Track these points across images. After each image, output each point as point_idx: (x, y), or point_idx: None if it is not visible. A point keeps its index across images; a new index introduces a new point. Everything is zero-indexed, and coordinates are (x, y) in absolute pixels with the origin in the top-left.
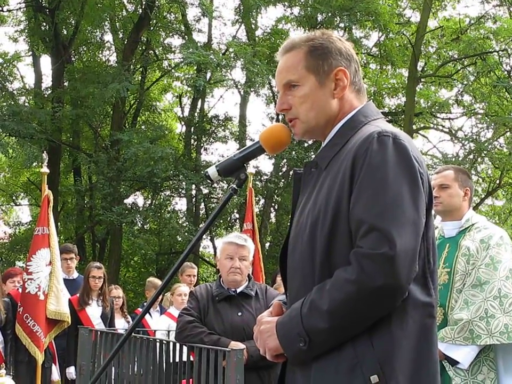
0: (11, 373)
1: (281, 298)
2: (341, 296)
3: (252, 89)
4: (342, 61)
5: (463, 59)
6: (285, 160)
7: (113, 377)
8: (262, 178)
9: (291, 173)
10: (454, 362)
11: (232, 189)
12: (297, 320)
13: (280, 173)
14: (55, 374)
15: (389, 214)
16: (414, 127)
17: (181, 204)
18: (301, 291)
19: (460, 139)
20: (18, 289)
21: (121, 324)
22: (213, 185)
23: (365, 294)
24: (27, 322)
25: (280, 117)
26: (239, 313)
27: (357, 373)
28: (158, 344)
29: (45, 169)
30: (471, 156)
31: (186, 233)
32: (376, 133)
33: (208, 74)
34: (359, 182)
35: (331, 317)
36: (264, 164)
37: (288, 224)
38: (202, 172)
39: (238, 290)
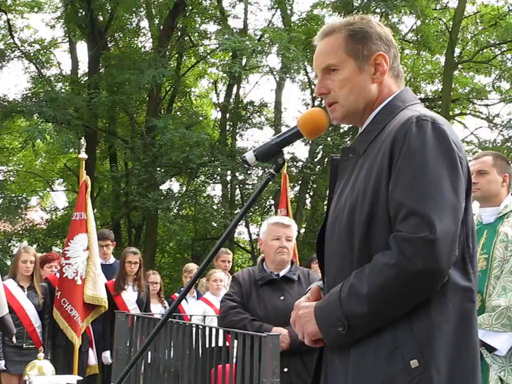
0: (49, 357)
1: (318, 283)
2: (380, 281)
3: (287, 75)
4: (381, 46)
5: (501, 45)
6: (320, 146)
7: (149, 362)
8: (297, 164)
9: (326, 159)
10: (491, 349)
11: (270, 173)
12: (336, 304)
13: (315, 159)
14: (92, 358)
15: (428, 198)
16: (451, 113)
17: (216, 190)
18: (339, 276)
19: (497, 125)
20: (55, 274)
21: (158, 309)
22: (248, 171)
23: (404, 278)
24: (64, 306)
25: (315, 102)
26: (282, 298)
27: (397, 357)
28: (194, 329)
29: (83, 155)
30: (509, 144)
31: (221, 219)
32: (415, 117)
33: (244, 60)
34: (398, 166)
35: (370, 301)
36: (299, 150)
37: (325, 209)
38: (237, 158)
39: (281, 274)
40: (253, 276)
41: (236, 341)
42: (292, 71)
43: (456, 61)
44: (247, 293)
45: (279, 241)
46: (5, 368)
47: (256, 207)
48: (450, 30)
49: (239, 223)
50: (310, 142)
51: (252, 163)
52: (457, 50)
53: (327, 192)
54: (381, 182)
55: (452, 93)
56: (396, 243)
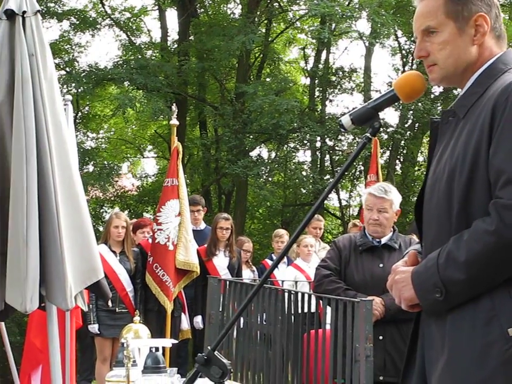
0: (141, 321)
1: (416, 247)
2: (479, 247)
3: (377, 40)
4: (482, 7)
5: None
6: (411, 112)
7: (241, 326)
8: (388, 130)
9: (417, 124)
10: None
11: (366, 137)
12: (434, 270)
13: (406, 125)
14: (185, 323)
15: None
16: None
17: (305, 156)
18: (437, 241)
19: None
20: (148, 239)
21: (247, 275)
22: (338, 137)
23: (504, 245)
24: (157, 272)
25: (406, 68)
26: (381, 265)
27: (494, 325)
28: (286, 294)
29: (175, 121)
30: None
31: (311, 185)
32: None
33: (333, 26)
34: (499, 131)
35: (468, 268)
36: (389, 115)
37: (424, 173)
38: (327, 124)
39: (382, 241)
40: (354, 241)
41: (328, 307)
42: (382, 36)
43: None
44: (346, 258)
45: (371, 212)
46: (98, 332)
47: (346, 173)
48: None
49: (333, 189)
50: (400, 107)
51: (348, 127)
52: None
53: (419, 157)
54: (481, 147)
55: None
56: (496, 210)
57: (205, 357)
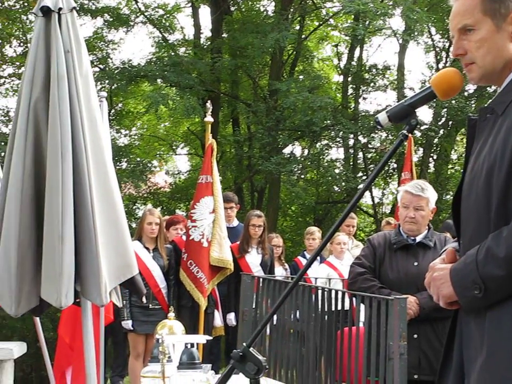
0: (175, 317)
1: (453, 245)
2: None
3: (411, 37)
4: None
5: None
6: (445, 109)
7: (274, 324)
8: (421, 127)
9: (451, 122)
10: None
11: (403, 134)
12: (473, 267)
13: (439, 122)
14: (218, 320)
15: None
16: None
17: (338, 153)
18: (475, 237)
19: None
20: (181, 236)
21: (279, 272)
22: (371, 135)
23: None
24: (191, 268)
25: (440, 65)
26: (415, 263)
27: None
28: (319, 291)
29: (209, 118)
30: None
31: (343, 183)
32: None
33: (367, 23)
34: None
35: (508, 264)
36: (423, 113)
37: (459, 171)
38: (360, 121)
39: (417, 239)
40: (388, 239)
41: (362, 305)
42: (416, 33)
43: None
44: (380, 256)
45: (407, 210)
46: (132, 328)
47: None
48: None
49: (360, 187)
50: (434, 105)
51: (384, 124)
52: None
53: (452, 155)
54: None
55: None
56: None
57: (240, 353)
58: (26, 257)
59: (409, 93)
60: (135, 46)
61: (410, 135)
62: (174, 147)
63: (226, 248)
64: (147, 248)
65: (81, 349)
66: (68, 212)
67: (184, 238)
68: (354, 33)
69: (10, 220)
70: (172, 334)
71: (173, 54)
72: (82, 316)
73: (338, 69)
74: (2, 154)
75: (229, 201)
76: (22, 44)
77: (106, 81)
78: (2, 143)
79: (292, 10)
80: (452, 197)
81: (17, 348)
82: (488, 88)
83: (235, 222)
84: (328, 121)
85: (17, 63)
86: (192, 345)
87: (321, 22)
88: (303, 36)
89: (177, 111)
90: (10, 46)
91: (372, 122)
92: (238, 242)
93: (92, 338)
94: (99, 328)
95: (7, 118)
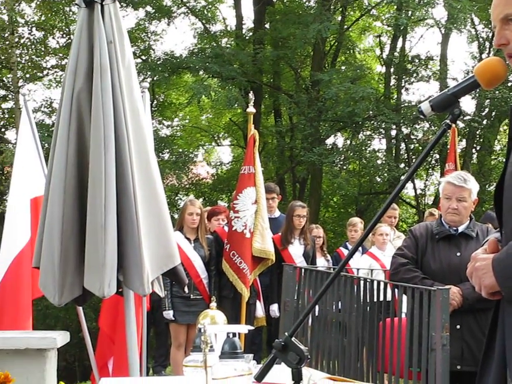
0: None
1: (496, 235)
2: None
3: (453, 26)
4: None
5: None
6: (488, 100)
7: (316, 314)
8: (464, 118)
9: (494, 113)
10: None
11: (446, 124)
12: None
13: (482, 113)
14: (260, 311)
15: None
16: None
17: (381, 144)
18: None
19: None
20: (223, 226)
21: (321, 263)
22: (413, 125)
23: None
24: (234, 259)
25: (483, 55)
26: (458, 254)
27: None
28: (362, 282)
29: (251, 109)
30: None
31: (386, 174)
32: None
33: (409, 13)
34: None
35: None
36: (466, 103)
37: (503, 160)
38: (403, 112)
39: (459, 230)
40: (430, 230)
41: (404, 296)
42: (459, 22)
43: None
44: (422, 247)
45: (449, 201)
46: (173, 318)
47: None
48: None
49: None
50: (477, 95)
51: (427, 113)
52: None
53: (496, 146)
54: None
55: None
56: None
57: (282, 343)
58: (70, 247)
59: (452, 83)
60: (177, 37)
61: (453, 125)
62: (216, 138)
63: (268, 239)
64: (188, 239)
65: (124, 338)
66: (110, 202)
67: (225, 228)
68: (396, 24)
69: (54, 210)
70: (214, 324)
71: (214, 45)
72: (125, 306)
73: (381, 60)
74: (46, 145)
75: (271, 191)
76: (65, 35)
77: (149, 73)
78: (46, 135)
79: (333, 0)
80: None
81: (61, 337)
82: None
83: (277, 213)
84: (371, 112)
85: (60, 54)
86: (234, 334)
87: (363, 13)
88: (345, 27)
89: (219, 102)
90: (53, 38)
91: (414, 113)
92: (280, 233)
93: (135, 328)
94: (141, 318)
95: (50, 109)
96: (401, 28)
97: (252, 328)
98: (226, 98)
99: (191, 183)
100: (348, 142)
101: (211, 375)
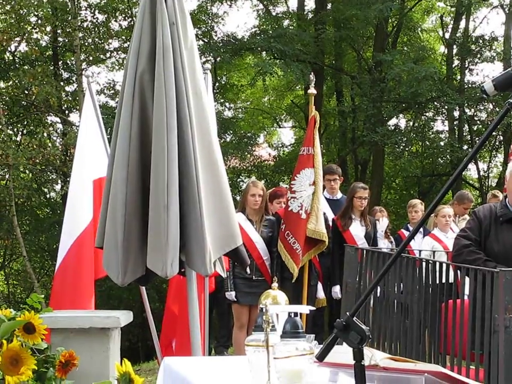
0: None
1: None
2: None
3: None
4: None
5: None
6: None
7: (378, 295)
8: None
9: None
10: None
11: (509, 103)
12: None
13: None
14: (321, 292)
15: None
16: None
17: (444, 126)
18: None
19: None
20: (285, 208)
21: (384, 245)
22: (477, 107)
23: None
24: (288, 239)
25: None
26: None
27: None
28: (424, 264)
29: (312, 90)
30: None
31: (448, 156)
32: None
33: None
34: None
35: None
36: None
37: None
38: (466, 93)
39: None
40: (494, 212)
41: (467, 277)
42: None
43: None
44: (486, 229)
45: None
46: (235, 299)
47: (485, 143)
48: None
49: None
50: None
51: (490, 93)
52: None
53: None
54: None
55: None
56: None
57: (344, 323)
58: (132, 227)
59: None
60: (239, 19)
61: None
62: (278, 120)
63: (322, 221)
64: (250, 220)
65: (187, 319)
66: (173, 182)
67: None
68: (460, 3)
69: (117, 191)
70: (276, 304)
71: (277, 26)
72: (187, 286)
73: (444, 40)
74: (109, 127)
75: (333, 173)
76: (127, 18)
77: (211, 54)
78: (110, 116)
79: None
80: None
81: (124, 317)
82: None
83: (339, 195)
84: (434, 93)
85: (123, 37)
86: (295, 314)
87: None
88: (408, 7)
89: (282, 82)
90: (115, 20)
91: (478, 94)
92: (341, 214)
93: (197, 309)
94: (203, 298)
95: (113, 91)
96: (464, 8)
97: (313, 308)
98: (294, 75)
99: (253, 165)
100: (411, 123)
101: (273, 355)
